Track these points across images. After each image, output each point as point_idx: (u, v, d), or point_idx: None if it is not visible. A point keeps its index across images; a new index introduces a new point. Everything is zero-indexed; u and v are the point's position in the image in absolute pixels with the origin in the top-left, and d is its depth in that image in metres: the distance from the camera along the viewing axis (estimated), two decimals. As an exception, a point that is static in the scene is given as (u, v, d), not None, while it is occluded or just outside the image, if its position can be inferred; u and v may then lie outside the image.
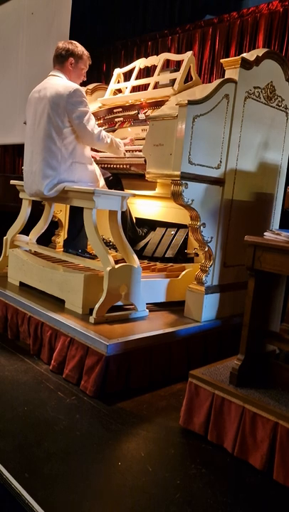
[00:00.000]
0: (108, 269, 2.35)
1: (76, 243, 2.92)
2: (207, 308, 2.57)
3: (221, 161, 2.51)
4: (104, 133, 2.65)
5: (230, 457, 1.70)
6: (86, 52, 2.75)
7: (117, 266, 2.39)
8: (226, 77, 2.49)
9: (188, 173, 2.33)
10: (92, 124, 2.58)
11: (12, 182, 3.06)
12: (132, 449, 1.72)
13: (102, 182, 2.75)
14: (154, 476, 1.56)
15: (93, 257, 2.82)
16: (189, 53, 3.04)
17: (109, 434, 1.79)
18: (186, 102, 2.24)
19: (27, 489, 1.43)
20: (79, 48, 2.71)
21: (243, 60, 2.48)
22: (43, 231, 3.12)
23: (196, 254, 2.95)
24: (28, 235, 3.10)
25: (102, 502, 1.43)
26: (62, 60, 2.68)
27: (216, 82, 2.43)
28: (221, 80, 2.44)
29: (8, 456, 1.59)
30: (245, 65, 2.50)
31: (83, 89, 2.64)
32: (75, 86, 2.56)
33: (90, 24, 5.62)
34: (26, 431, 1.76)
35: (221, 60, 2.58)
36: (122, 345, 2.12)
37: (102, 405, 2.01)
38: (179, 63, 3.12)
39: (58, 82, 2.60)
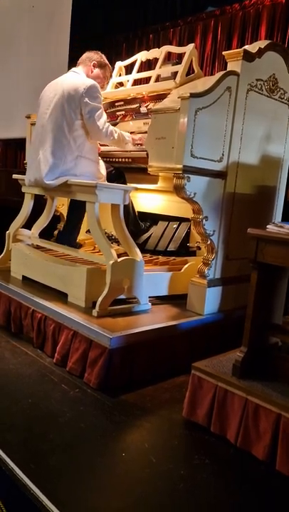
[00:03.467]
0: (111, 262, 2.35)
1: (67, 237, 2.96)
2: (209, 302, 2.58)
3: (223, 154, 2.50)
4: (111, 128, 2.67)
5: (234, 448, 1.71)
6: (109, 66, 2.90)
7: (119, 259, 2.39)
8: (228, 69, 2.48)
9: (191, 167, 2.32)
10: (103, 121, 2.60)
11: (14, 176, 3.06)
12: (136, 441, 1.74)
13: (104, 177, 2.75)
14: (158, 467, 1.58)
15: (80, 245, 3.01)
16: (191, 46, 3.02)
17: (114, 426, 1.81)
18: (189, 94, 2.23)
19: (33, 480, 1.45)
20: (105, 60, 2.86)
21: (246, 52, 2.47)
22: (45, 225, 3.12)
23: (199, 248, 2.95)
24: (30, 229, 3.10)
25: (106, 493, 1.44)
26: (87, 62, 2.79)
27: (218, 75, 2.42)
28: (223, 72, 2.42)
29: (14, 448, 1.61)
30: (248, 57, 2.49)
31: (100, 89, 2.68)
32: (92, 81, 2.61)
33: (91, 17, 5.59)
34: (31, 423, 1.78)
35: (223, 53, 2.56)
36: (125, 338, 2.13)
37: (106, 398, 2.02)
38: (180, 56, 3.11)
39: (76, 77, 2.68)
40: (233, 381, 1.75)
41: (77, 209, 2.90)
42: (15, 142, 6.62)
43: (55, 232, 3.65)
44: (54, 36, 5.58)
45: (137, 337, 2.19)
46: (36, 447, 1.63)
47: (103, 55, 2.87)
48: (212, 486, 1.51)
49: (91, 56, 2.80)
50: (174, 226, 3.13)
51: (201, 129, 2.32)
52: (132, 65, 3.37)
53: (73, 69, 2.80)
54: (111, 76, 2.93)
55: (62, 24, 5.40)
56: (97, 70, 2.81)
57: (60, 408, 1.90)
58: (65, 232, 3.03)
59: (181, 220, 3.12)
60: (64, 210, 3.61)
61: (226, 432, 1.75)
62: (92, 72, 2.80)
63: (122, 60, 3.63)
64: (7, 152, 6.93)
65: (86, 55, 2.82)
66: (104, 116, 2.64)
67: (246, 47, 2.53)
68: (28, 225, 3.11)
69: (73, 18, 5.31)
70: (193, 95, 2.25)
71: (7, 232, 3.11)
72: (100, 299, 2.35)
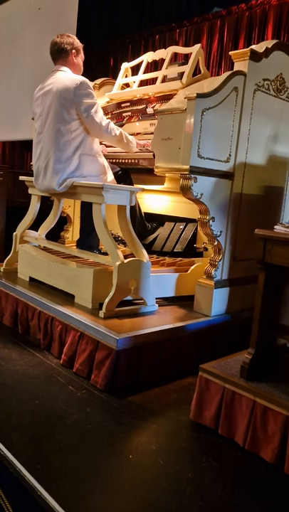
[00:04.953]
0: (117, 263, 2.35)
1: (90, 241, 2.92)
2: (217, 303, 2.57)
3: (230, 155, 2.49)
4: (112, 125, 2.64)
5: (242, 450, 1.70)
6: (81, 44, 2.77)
7: (126, 261, 2.39)
8: (234, 69, 2.47)
9: (198, 167, 2.31)
10: (100, 116, 2.58)
11: (21, 178, 3.06)
12: (143, 442, 1.73)
13: (110, 176, 2.75)
14: (166, 469, 1.57)
15: (106, 254, 2.83)
16: (198, 46, 3.02)
17: (120, 428, 1.80)
18: (195, 95, 2.22)
19: (40, 481, 1.44)
20: (76, 40, 2.73)
21: (252, 51, 2.46)
22: (52, 226, 3.13)
23: (206, 249, 2.94)
24: (37, 231, 3.11)
25: (113, 494, 1.43)
26: (64, 54, 2.68)
27: (224, 75, 2.41)
28: (230, 72, 2.41)
29: (21, 448, 1.61)
30: (254, 57, 2.47)
31: (91, 83, 2.63)
32: (82, 78, 2.56)
33: (96, 18, 5.61)
34: (38, 424, 1.78)
35: (230, 53, 2.55)
36: (131, 339, 2.13)
37: (113, 399, 2.02)
38: (186, 56, 3.11)
39: (65, 76, 2.60)
40: (240, 383, 1.73)
41: (90, 213, 2.87)
42: (21, 144, 6.66)
43: (62, 234, 3.66)
44: (60, 38, 5.59)
45: (143, 338, 2.18)
46: (43, 448, 1.63)
47: (72, 35, 2.71)
48: (220, 488, 1.50)
49: (65, 46, 2.64)
50: (181, 227, 3.12)
51: (208, 129, 2.31)
52: (138, 66, 3.37)
53: (57, 67, 2.67)
54: (84, 50, 2.77)
55: (68, 26, 5.40)
56: (77, 58, 2.71)
57: (67, 409, 1.90)
58: (82, 236, 3.00)
59: (187, 220, 3.11)
60: (70, 212, 3.62)
61: (234, 434, 1.74)
62: (74, 63, 2.70)
63: (128, 61, 3.63)
64: (14, 153, 6.96)
65: (59, 45, 2.65)
66: (101, 111, 2.61)
67: (253, 46, 2.52)
68: (35, 226, 3.12)
69: (79, 20, 5.31)
70: (199, 95, 2.24)
71: (14, 233, 3.12)
72: (107, 300, 2.35)
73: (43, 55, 5.83)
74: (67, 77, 2.59)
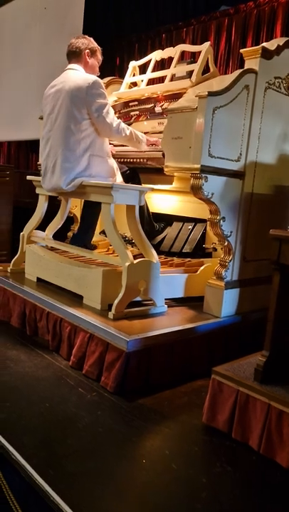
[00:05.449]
0: (127, 264, 2.32)
1: (82, 237, 2.93)
2: (227, 304, 2.53)
3: (241, 154, 2.46)
4: (123, 125, 2.62)
5: (256, 455, 1.67)
6: (99, 47, 2.77)
7: (135, 261, 2.36)
8: (245, 67, 2.44)
9: (208, 166, 2.28)
10: (112, 117, 2.55)
11: (29, 177, 3.04)
12: (155, 447, 1.70)
13: (119, 178, 2.72)
14: (179, 474, 1.54)
15: (95, 246, 3.01)
16: (207, 44, 2.99)
17: (132, 431, 1.77)
18: (207, 93, 2.19)
19: (52, 486, 1.42)
20: (93, 42, 2.73)
21: (264, 49, 2.42)
22: (59, 227, 3.10)
23: (215, 249, 2.91)
24: (44, 231, 3.09)
25: (127, 499, 1.41)
26: (78, 53, 2.67)
27: (235, 73, 2.38)
28: (241, 70, 2.38)
29: (32, 452, 1.58)
30: (266, 54, 2.44)
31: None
32: (94, 78, 2.53)
33: (102, 18, 5.58)
34: (48, 427, 1.75)
35: (241, 50, 2.52)
36: (142, 341, 2.10)
37: (123, 402, 1.99)
38: (194, 55, 3.08)
39: (77, 75, 2.58)
40: (255, 386, 1.70)
41: (92, 208, 2.86)
42: (26, 143, 6.64)
43: (69, 234, 3.64)
44: (66, 37, 5.56)
45: (154, 340, 2.15)
46: (54, 452, 1.60)
47: (87, 37, 2.72)
48: (235, 494, 1.46)
49: (79, 46, 2.65)
50: (189, 227, 3.08)
51: (219, 128, 2.28)
52: (146, 65, 3.34)
53: (70, 66, 2.67)
54: (102, 55, 2.79)
55: (74, 26, 5.38)
56: (92, 59, 2.71)
57: (78, 412, 1.87)
58: (79, 232, 3.00)
59: (196, 221, 3.07)
60: (77, 212, 3.60)
61: (248, 438, 1.71)
62: (88, 63, 2.69)
63: (135, 60, 3.60)
64: (19, 154, 6.95)
65: (74, 45, 2.66)
66: (112, 111, 2.59)
67: (264, 44, 2.48)
68: (42, 226, 3.09)
69: (85, 19, 5.29)
70: (211, 94, 2.21)
71: (21, 233, 3.10)
72: (116, 301, 2.32)
73: (48, 54, 5.83)
74: (79, 75, 2.57)
